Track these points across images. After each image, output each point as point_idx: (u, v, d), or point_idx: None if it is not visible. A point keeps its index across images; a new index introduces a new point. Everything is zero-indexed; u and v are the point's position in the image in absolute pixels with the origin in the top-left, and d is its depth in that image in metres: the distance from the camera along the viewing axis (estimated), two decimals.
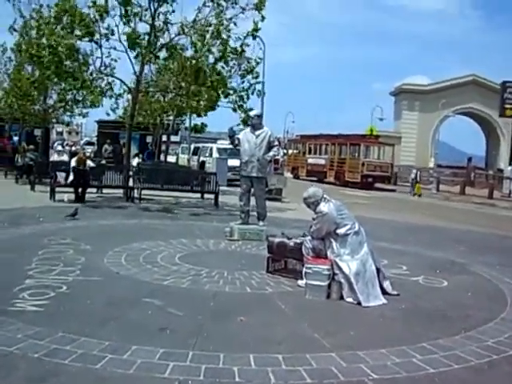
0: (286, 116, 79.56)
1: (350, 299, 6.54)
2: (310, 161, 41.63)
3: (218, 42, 15.01)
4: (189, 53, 15.60)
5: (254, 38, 15.12)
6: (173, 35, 14.91)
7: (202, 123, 23.57)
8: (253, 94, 16.26)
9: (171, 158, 35.20)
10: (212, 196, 17.18)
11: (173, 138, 36.14)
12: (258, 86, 17.22)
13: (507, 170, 36.57)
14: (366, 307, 6.37)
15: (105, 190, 16.64)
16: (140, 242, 9.27)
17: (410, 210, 21.91)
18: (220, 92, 15.55)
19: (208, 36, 14.85)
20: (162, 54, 15.50)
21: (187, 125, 29.40)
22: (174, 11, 14.67)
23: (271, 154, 10.67)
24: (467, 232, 14.90)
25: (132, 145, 28.13)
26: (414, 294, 7.14)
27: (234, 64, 16.10)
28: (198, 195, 18.07)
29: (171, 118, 25.65)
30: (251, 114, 10.90)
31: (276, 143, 10.99)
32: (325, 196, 7.09)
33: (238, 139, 10.86)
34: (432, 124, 70.21)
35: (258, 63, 16.39)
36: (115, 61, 15.14)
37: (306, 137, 45.06)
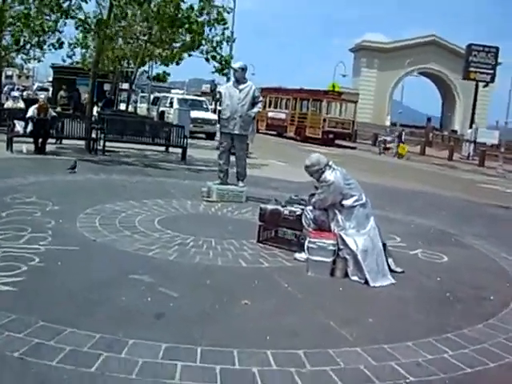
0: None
1: (355, 277, 5.95)
2: (270, 114, 40.79)
3: None
4: None
5: None
6: None
7: (164, 72, 22.44)
8: (227, 42, 15.40)
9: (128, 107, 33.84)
10: (177, 150, 16.34)
11: (125, 86, 34.68)
12: (227, 32, 16.37)
13: (467, 132, 36.59)
14: (374, 287, 5.80)
15: (64, 141, 15.52)
16: (112, 203, 8.45)
17: (377, 171, 21.51)
18: (197, 38, 14.55)
19: None
20: None
21: (149, 73, 28.17)
22: None
23: (255, 110, 9.90)
24: (443, 197, 14.60)
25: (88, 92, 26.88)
26: (417, 270, 6.62)
27: (203, 12, 15.16)
28: (163, 148, 17.19)
29: (132, 65, 24.37)
30: (235, 66, 9.98)
31: (261, 99, 10.20)
32: (330, 163, 6.40)
33: (220, 93, 10.04)
34: (390, 83, 70.23)
35: (228, 12, 15.49)
36: (86, 2, 13.94)
37: (267, 90, 43.99)
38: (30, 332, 3.88)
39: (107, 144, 15.01)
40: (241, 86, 9.84)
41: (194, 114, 25.32)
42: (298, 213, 6.78)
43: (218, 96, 10.07)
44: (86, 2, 14.80)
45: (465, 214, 11.95)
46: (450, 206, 12.97)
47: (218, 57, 15.41)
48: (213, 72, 16.45)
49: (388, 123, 66.48)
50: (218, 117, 12.25)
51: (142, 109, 32.54)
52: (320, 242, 5.96)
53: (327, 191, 6.20)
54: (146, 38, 15.60)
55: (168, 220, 7.78)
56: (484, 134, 36.88)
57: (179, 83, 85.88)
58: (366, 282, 5.85)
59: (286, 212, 6.87)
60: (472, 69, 38.32)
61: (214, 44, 15.23)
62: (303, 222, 6.44)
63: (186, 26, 14.42)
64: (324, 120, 35.49)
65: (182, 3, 14.68)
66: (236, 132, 9.81)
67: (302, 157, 23.73)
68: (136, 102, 35.22)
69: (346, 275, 5.99)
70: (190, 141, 20.54)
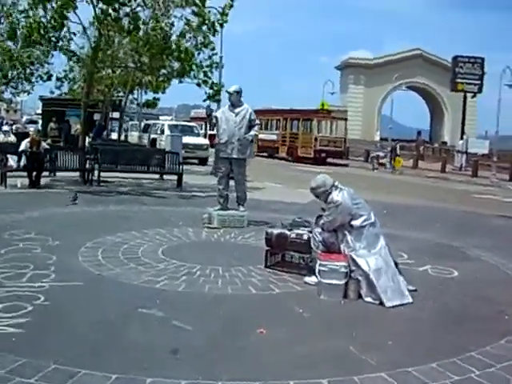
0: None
1: (368, 298, 5.81)
2: (261, 136, 40.70)
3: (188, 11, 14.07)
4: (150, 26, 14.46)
5: (226, 14, 14.19)
6: (134, 5, 13.74)
7: (155, 98, 22.36)
8: (216, 68, 15.38)
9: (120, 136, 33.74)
10: (172, 177, 16.24)
11: (116, 115, 34.64)
12: (216, 58, 16.36)
13: (458, 143, 36.72)
14: (391, 307, 5.66)
15: (58, 174, 15.35)
16: (113, 234, 8.28)
17: (373, 187, 21.44)
18: (187, 65, 14.51)
19: (172, 6, 13.82)
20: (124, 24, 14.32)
21: (138, 100, 28.11)
22: None
23: (252, 133, 9.80)
24: (442, 210, 14.52)
25: (78, 122, 26.73)
26: (431, 287, 6.49)
27: (190, 37, 15.13)
28: (157, 176, 17.06)
29: (121, 93, 24.29)
30: (230, 90, 9.86)
31: (257, 121, 10.11)
32: (336, 183, 6.30)
33: (216, 118, 9.94)
34: (378, 98, 70.71)
35: (214, 35, 15.44)
36: (74, 34, 13.91)
37: (257, 111, 44.00)
38: (42, 376, 3.71)
39: (102, 174, 14.87)
40: (237, 110, 9.75)
41: (186, 139, 25.27)
42: (305, 236, 6.66)
43: (214, 121, 9.96)
44: (74, 34, 14.82)
45: (466, 225, 11.85)
46: (450, 218, 12.89)
47: (210, 82, 15.37)
48: (204, 100, 16.40)
49: (378, 138, 66.67)
50: (211, 141, 12.17)
51: (133, 137, 32.45)
52: (331, 264, 5.82)
53: (335, 212, 6.09)
54: (134, 65, 15.51)
55: (172, 249, 7.63)
56: (474, 144, 37.06)
57: (167, 109, 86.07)
58: (381, 303, 5.71)
59: (293, 235, 6.74)
60: (459, 80, 38.67)
61: (206, 69, 15.18)
62: (312, 244, 6.31)
63: (176, 53, 14.38)
64: (315, 139, 35.52)
65: (170, 32, 14.67)
66: (234, 156, 9.70)
67: (296, 177, 23.85)
68: (126, 130, 35.14)
69: (360, 297, 5.86)
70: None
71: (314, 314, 5.32)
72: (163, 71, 15.66)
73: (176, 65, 15.10)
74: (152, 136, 29.21)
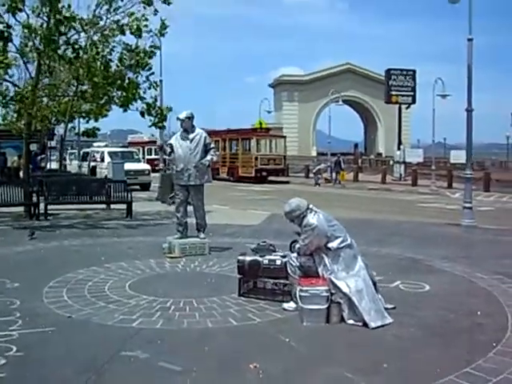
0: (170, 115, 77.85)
1: (351, 321, 5.74)
2: None
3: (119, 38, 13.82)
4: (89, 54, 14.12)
5: (162, 35, 14.02)
6: (73, 33, 13.39)
7: (94, 127, 21.89)
8: (155, 88, 15.20)
9: (55, 165, 32.82)
10: (119, 206, 15.87)
11: (53, 144, 33.72)
12: (153, 77, 16.15)
13: (396, 154, 37.62)
14: (375, 328, 5.59)
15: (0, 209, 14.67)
16: (74, 271, 7.92)
17: (321, 203, 21.56)
18: (130, 95, 14.23)
19: (109, 34, 13.57)
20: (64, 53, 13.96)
21: (76, 129, 27.48)
22: (69, 6, 13.18)
23: (209, 157, 9.61)
24: (395, 223, 14.76)
25: (15, 153, 25.88)
26: (406, 304, 6.49)
27: (126, 59, 14.85)
28: (103, 205, 16.60)
29: (57, 123, 23.65)
30: (181, 116, 9.59)
31: (213, 145, 9.94)
32: (310, 206, 6.22)
33: (171, 145, 9.69)
34: (312, 113, 71.81)
35: (150, 57, 15.23)
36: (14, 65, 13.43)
37: None
38: None
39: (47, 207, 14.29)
40: (190, 136, 9.55)
41: (127, 165, 24.95)
42: (278, 261, 6.55)
43: (169, 149, 9.66)
44: (10, 67, 14.31)
45: (423, 237, 12.04)
46: (406, 230, 13.10)
47: (154, 111, 15.11)
48: (149, 126, 16.13)
49: (314, 154, 67.74)
50: (164, 163, 11.84)
51: (73, 166, 31.67)
52: (312, 289, 5.72)
53: (312, 235, 6.00)
54: (77, 94, 15.09)
55: (139, 283, 7.36)
56: (410, 154, 38.11)
57: (101, 135, 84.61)
58: (365, 324, 5.65)
59: (266, 261, 6.61)
60: (393, 92, 39.65)
61: (148, 100, 14.93)
62: (288, 269, 6.20)
63: (119, 82, 14.09)
64: (256, 158, 35.68)
65: (110, 59, 14.38)
66: (192, 183, 9.51)
67: (241, 198, 23.76)
68: (64, 159, 34.21)
69: (342, 320, 5.77)
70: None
71: (302, 342, 5.19)
72: (105, 99, 15.26)
73: (119, 93, 14.76)
74: (92, 164, 28.62)
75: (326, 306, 5.71)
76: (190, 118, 9.59)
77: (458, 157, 34.57)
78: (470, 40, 13.78)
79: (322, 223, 6.03)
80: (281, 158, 37.03)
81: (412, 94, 39.82)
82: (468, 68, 13.82)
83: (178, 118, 9.65)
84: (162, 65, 20.71)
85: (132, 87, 14.23)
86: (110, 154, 28.38)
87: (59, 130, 29.78)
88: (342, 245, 6.02)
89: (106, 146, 43.70)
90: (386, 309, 6.02)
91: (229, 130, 41.32)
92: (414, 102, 40.23)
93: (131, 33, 13.98)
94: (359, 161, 44.45)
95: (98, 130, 20.43)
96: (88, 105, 18.27)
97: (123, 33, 14.07)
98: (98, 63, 14.03)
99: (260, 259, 6.65)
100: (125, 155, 28.80)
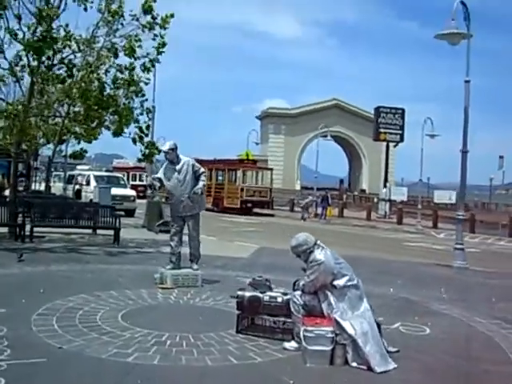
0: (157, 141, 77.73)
1: (354, 363, 5.54)
2: None
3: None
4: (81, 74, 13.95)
5: (160, 53, 13.89)
6: (69, 52, 13.24)
7: (82, 148, 21.54)
8: (147, 114, 15.06)
9: (38, 186, 32.34)
10: (104, 231, 15.55)
11: (37, 165, 33.26)
12: (147, 104, 15.99)
13: (382, 191, 37.74)
14: (382, 373, 5.40)
15: None
16: (63, 298, 7.62)
17: None
18: (124, 120, 14.05)
19: (105, 55, 13.44)
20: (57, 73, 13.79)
21: (64, 152, 27.16)
22: (67, 25, 13.07)
23: (200, 184, 9.30)
24: (384, 261, 14.67)
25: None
26: (409, 348, 6.31)
27: (120, 79, 14.68)
28: (89, 230, 16.25)
29: (46, 143, 23.30)
30: (164, 148, 9.26)
31: (202, 169, 9.63)
32: (318, 242, 6.05)
33: (159, 179, 9.39)
34: (298, 147, 72.05)
35: (146, 83, 15.11)
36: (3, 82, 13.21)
37: None
38: None
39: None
40: (178, 167, 9.24)
41: (113, 190, 24.58)
42: (279, 299, 6.36)
43: (158, 184, 9.42)
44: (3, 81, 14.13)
45: (416, 277, 11.94)
46: (397, 270, 13.00)
47: (146, 140, 14.91)
48: (139, 160, 15.85)
49: (298, 187, 67.81)
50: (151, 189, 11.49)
51: (57, 187, 31.22)
52: (317, 329, 5.52)
53: (318, 271, 5.82)
54: (70, 116, 14.85)
55: (132, 314, 7.09)
56: (394, 192, 38.18)
57: (85, 159, 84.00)
58: (369, 368, 5.44)
59: (267, 298, 6.40)
60: (382, 130, 39.91)
61: (142, 125, 14.77)
62: (292, 308, 5.99)
63: (113, 108, 13.92)
64: (242, 189, 35.53)
65: (105, 82, 14.21)
66: (188, 214, 9.30)
67: (227, 229, 23.48)
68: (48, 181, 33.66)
69: (346, 362, 5.57)
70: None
71: None
72: (96, 122, 15.04)
73: (111, 118, 14.57)
74: (77, 187, 28.27)
75: (330, 348, 5.51)
76: (174, 149, 9.27)
77: (442, 197, 34.83)
78: (467, 82, 13.79)
79: (329, 260, 5.87)
80: (267, 191, 36.94)
81: (400, 132, 40.14)
82: (465, 110, 13.82)
83: (162, 151, 9.41)
84: (155, 91, 20.51)
85: (126, 112, 14.02)
86: (96, 177, 28.08)
87: (43, 151, 29.43)
88: (349, 283, 5.86)
89: (89, 169, 43.41)
90: (389, 352, 5.83)
91: (215, 160, 41.16)
92: (402, 140, 40.53)
93: (125, 54, 13.85)
94: (344, 196, 44.47)
95: (86, 151, 20.03)
96: (78, 127, 17.95)
97: (116, 55, 13.92)
98: (93, 86, 13.84)
99: (260, 295, 6.44)
100: (111, 180, 28.51)
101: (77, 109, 14.48)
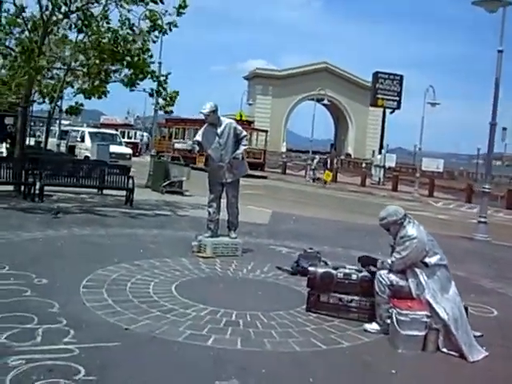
0: (145, 98, 76.44)
1: (445, 349, 5.14)
2: (176, 145, 39.57)
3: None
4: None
5: (180, 14, 13.13)
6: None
7: (77, 103, 20.58)
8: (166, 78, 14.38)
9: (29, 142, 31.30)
10: (111, 191, 14.93)
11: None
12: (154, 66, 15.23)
13: (377, 158, 37.39)
14: (476, 362, 5.01)
15: None
16: (103, 268, 7.07)
17: (310, 202, 21.01)
18: (138, 72, 13.27)
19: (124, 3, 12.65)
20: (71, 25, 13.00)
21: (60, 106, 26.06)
22: None
23: (242, 149, 8.73)
24: None
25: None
26: (489, 331, 5.87)
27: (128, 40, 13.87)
28: (95, 190, 15.53)
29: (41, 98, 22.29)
30: (204, 111, 8.51)
31: (244, 133, 9.04)
32: (408, 215, 5.57)
33: (199, 143, 8.81)
34: (285, 109, 71.31)
35: (154, 42, 14.32)
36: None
37: (172, 120, 42.87)
38: None
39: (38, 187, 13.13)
40: (219, 130, 8.64)
41: (110, 148, 23.88)
42: (353, 276, 5.90)
43: (197, 148, 8.85)
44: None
45: (446, 251, 11.49)
46: None
47: (164, 93, 14.22)
48: (156, 110, 15.13)
49: (284, 149, 67.30)
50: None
51: (50, 143, 30.22)
52: (413, 313, 5.08)
53: (410, 247, 5.35)
54: (84, 69, 13.97)
55: (185, 287, 6.57)
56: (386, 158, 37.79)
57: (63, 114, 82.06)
58: (461, 356, 5.03)
59: (340, 275, 5.93)
60: (379, 96, 39.34)
61: (161, 78, 14.08)
62: (376, 287, 5.52)
63: (128, 59, 13.13)
64: None
65: (119, 36, 13.33)
66: (228, 180, 8.74)
67: None
68: (39, 136, 32.61)
69: (437, 348, 5.15)
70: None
71: (408, 375, 4.56)
72: (110, 76, 14.22)
73: (126, 71, 13.77)
74: (70, 144, 27.40)
75: (424, 333, 5.08)
76: (215, 110, 8.63)
77: (430, 165, 34.59)
78: (500, 51, 13.34)
79: (423, 235, 5.43)
80: (261, 153, 36.43)
81: (397, 99, 39.65)
82: (496, 81, 13.38)
83: (201, 113, 8.75)
84: (161, 49, 19.66)
85: (142, 65, 13.25)
86: (91, 134, 27.21)
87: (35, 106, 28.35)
88: (440, 262, 5.42)
89: (69, 124, 42.28)
90: (474, 336, 5.43)
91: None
92: (398, 107, 40.04)
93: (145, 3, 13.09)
94: (335, 161, 43.99)
95: (82, 105, 19.09)
96: (80, 82, 17.06)
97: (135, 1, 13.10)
98: (107, 38, 13.01)
99: (334, 272, 5.98)
100: (106, 137, 27.66)
101: (91, 61, 13.55)
